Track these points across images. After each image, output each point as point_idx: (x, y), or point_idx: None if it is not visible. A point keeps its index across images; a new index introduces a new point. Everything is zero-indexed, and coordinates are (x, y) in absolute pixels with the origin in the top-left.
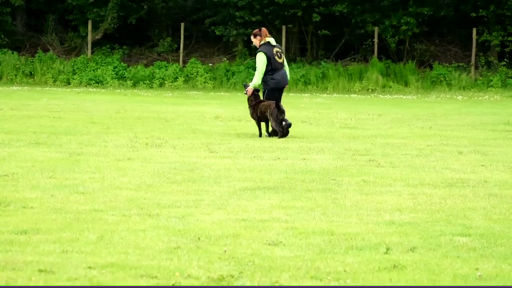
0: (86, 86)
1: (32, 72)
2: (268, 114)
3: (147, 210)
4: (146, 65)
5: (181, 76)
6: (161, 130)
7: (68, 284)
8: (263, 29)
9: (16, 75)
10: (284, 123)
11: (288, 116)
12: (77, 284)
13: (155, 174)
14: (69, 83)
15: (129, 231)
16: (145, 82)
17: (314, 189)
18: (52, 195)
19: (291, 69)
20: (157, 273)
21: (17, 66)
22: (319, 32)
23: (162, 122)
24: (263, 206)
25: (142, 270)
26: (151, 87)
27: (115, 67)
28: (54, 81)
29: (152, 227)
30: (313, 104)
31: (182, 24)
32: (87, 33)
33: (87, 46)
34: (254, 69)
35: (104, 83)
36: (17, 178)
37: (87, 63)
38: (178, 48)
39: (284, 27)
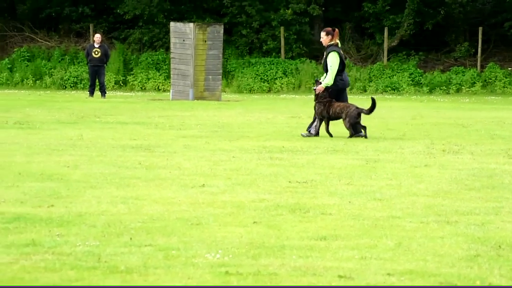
0: (382, 93)
1: None
2: (344, 114)
3: (445, 217)
4: (443, 71)
5: (478, 81)
6: (458, 136)
7: None
8: (337, 30)
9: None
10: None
11: None
12: None
13: (452, 180)
14: (365, 90)
15: (427, 238)
16: (441, 88)
17: None
18: (349, 202)
19: None
20: (456, 281)
21: (314, 74)
22: None
23: (459, 128)
24: None
25: (441, 277)
26: (448, 93)
27: (411, 74)
28: (350, 89)
29: (451, 234)
30: None
31: (480, 28)
32: (383, 40)
33: (383, 53)
34: (325, 69)
35: (400, 89)
36: (315, 185)
37: (383, 70)
38: (476, 52)
39: None
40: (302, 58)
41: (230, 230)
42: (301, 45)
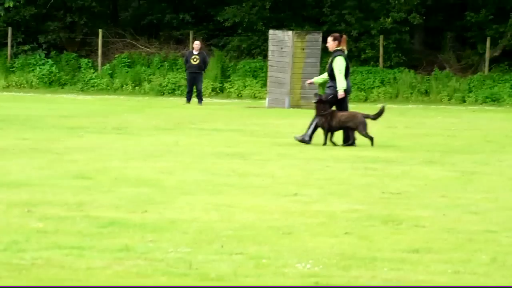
0: (481, 104)
1: (428, 90)
2: (353, 123)
3: None
4: None
5: None
6: None
7: None
8: (344, 36)
9: (411, 93)
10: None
11: None
12: None
13: None
14: (464, 101)
15: None
16: None
17: None
18: (444, 214)
19: None
20: None
21: (413, 84)
22: None
23: None
24: None
25: None
26: None
27: None
28: (449, 99)
29: None
30: None
31: None
32: (485, 50)
33: (484, 63)
34: (329, 73)
35: (500, 101)
36: (409, 196)
37: (484, 80)
38: None
39: None
40: (400, 67)
41: (321, 240)
42: (400, 54)
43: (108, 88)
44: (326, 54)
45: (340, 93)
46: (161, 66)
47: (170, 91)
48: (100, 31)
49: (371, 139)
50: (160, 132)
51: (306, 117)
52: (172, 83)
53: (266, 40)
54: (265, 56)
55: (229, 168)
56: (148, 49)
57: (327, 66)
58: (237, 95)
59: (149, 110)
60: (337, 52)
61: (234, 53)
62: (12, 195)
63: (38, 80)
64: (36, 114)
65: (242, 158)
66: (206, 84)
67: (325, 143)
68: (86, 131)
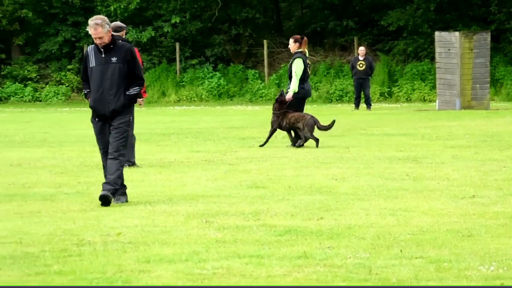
0: None
1: None
2: (302, 124)
3: None
4: None
5: None
6: None
7: None
8: (305, 38)
9: None
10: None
11: None
12: None
13: None
14: None
15: None
16: None
17: None
18: None
19: None
20: None
21: None
22: None
23: None
24: None
25: None
26: None
27: None
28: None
29: None
30: None
31: None
32: None
33: None
34: (289, 75)
35: None
36: None
37: None
38: None
39: None
40: None
41: (503, 241)
42: None
43: (276, 97)
44: (495, 53)
45: (289, 96)
46: (327, 73)
47: (337, 98)
48: (265, 41)
49: (316, 140)
50: (330, 139)
51: (478, 118)
52: (339, 90)
53: (432, 42)
54: (432, 58)
55: (402, 172)
56: (313, 57)
57: (288, 68)
58: (406, 98)
59: (318, 117)
60: (297, 54)
61: (400, 57)
62: (189, 207)
63: (207, 93)
64: (207, 126)
65: (415, 162)
66: (374, 89)
67: (264, 144)
68: (257, 141)
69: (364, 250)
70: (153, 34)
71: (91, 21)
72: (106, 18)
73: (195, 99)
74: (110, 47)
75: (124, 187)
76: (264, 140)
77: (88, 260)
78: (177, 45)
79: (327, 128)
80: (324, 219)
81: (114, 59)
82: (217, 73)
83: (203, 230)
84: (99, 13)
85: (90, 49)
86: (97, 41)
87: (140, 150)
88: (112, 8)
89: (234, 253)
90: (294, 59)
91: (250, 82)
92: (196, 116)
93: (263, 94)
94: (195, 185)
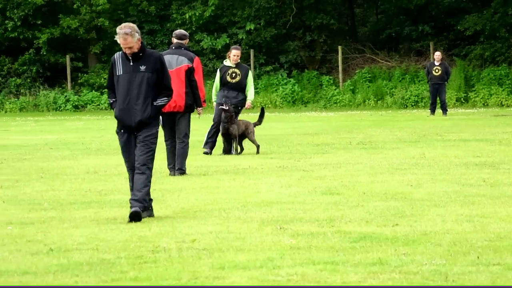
0: None
1: None
2: (249, 130)
3: None
4: None
5: None
6: None
7: None
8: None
9: None
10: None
11: None
12: None
13: None
14: None
15: None
16: None
17: None
18: None
19: None
20: None
21: None
22: None
23: None
24: None
25: None
26: None
27: None
28: None
29: None
30: None
31: None
32: None
33: None
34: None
35: None
36: None
37: None
38: None
39: None
40: None
41: None
42: None
43: (351, 103)
44: None
45: (248, 104)
46: (403, 79)
47: (413, 104)
48: (339, 47)
49: (257, 146)
50: (405, 145)
51: None
52: (415, 96)
53: (510, 46)
54: (510, 63)
55: (479, 178)
56: (388, 63)
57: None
58: (483, 104)
59: (393, 123)
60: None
61: (477, 62)
62: (264, 213)
63: (281, 100)
64: (282, 133)
65: (492, 168)
66: (450, 94)
67: (228, 152)
68: (331, 147)
69: (440, 257)
70: (227, 41)
71: (119, 30)
72: (135, 26)
73: (270, 105)
74: (139, 55)
75: (150, 200)
76: (240, 148)
77: (163, 266)
78: (252, 52)
79: (261, 117)
80: (399, 226)
81: (142, 68)
82: (291, 79)
83: (277, 237)
84: (174, 21)
85: (117, 56)
86: (127, 51)
87: (214, 157)
88: (187, 15)
89: (308, 260)
90: (248, 69)
91: (325, 88)
92: (271, 123)
93: (338, 100)
94: (269, 192)
